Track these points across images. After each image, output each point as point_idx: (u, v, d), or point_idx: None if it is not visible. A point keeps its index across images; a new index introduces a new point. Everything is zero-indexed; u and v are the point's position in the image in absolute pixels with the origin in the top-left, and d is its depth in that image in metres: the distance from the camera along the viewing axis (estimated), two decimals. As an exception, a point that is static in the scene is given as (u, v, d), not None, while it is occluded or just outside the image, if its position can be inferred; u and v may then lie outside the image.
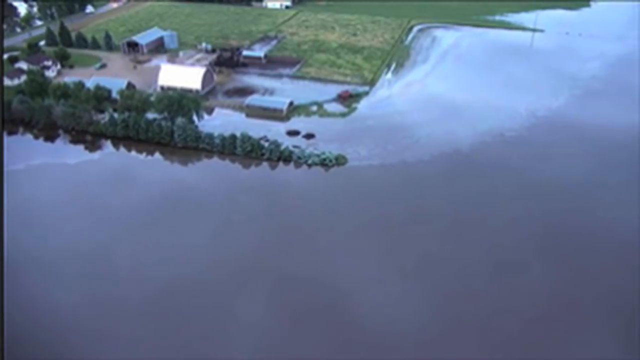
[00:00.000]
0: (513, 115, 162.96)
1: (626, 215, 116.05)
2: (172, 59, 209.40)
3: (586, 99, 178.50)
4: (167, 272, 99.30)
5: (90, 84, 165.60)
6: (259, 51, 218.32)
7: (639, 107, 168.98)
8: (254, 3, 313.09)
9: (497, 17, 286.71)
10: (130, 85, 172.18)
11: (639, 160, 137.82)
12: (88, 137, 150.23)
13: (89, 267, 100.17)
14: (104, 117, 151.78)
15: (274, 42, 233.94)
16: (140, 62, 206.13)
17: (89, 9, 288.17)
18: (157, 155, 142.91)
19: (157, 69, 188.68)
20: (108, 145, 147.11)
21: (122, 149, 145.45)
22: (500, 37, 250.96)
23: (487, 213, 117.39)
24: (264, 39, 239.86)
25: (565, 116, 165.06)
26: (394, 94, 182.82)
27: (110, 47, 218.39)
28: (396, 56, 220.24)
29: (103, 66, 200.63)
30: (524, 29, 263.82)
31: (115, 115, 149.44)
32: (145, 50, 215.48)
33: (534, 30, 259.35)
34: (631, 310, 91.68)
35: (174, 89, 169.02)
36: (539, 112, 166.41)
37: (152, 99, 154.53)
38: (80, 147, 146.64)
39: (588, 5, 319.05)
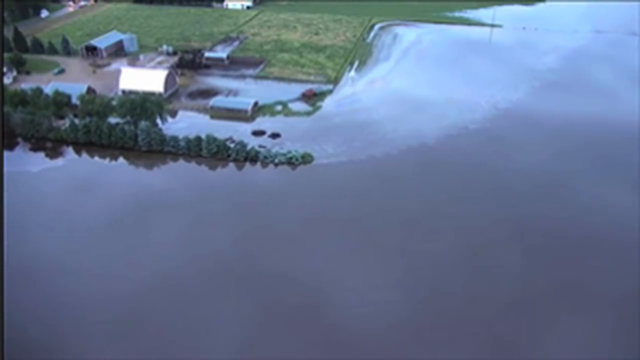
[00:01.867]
0: (475, 108, 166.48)
1: (589, 197, 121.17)
2: (133, 63, 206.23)
3: (544, 90, 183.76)
4: (138, 273, 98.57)
5: (48, 89, 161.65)
6: (221, 52, 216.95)
7: (594, 96, 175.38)
8: (214, 4, 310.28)
9: (457, 14, 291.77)
10: (90, 90, 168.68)
11: (596, 143, 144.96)
12: (49, 144, 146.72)
13: (62, 270, 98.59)
14: (65, 123, 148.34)
15: (236, 43, 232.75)
16: (99, 66, 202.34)
17: (44, 13, 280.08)
18: (122, 159, 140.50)
19: (117, 72, 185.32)
20: (70, 152, 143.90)
21: (85, 155, 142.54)
22: (460, 33, 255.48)
23: (456, 206, 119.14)
24: (226, 40, 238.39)
25: (525, 107, 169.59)
26: (358, 91, 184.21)
27: (68, 51, 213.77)
28: (359, 54, 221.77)
29: (61, 71, 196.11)
30: (482, 24, 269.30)
31: (77, 120, 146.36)
32: (104, 54, 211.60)
33: (492, 25, 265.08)
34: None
35: (136, 93, 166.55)
36: (500, 104, 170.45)
37: (114, 103, 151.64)
38: (41, 154, 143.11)
39: (543, 1, 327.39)
